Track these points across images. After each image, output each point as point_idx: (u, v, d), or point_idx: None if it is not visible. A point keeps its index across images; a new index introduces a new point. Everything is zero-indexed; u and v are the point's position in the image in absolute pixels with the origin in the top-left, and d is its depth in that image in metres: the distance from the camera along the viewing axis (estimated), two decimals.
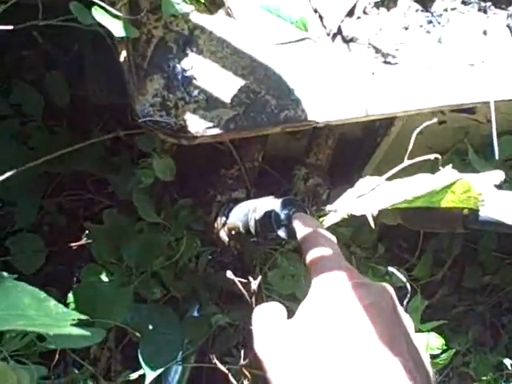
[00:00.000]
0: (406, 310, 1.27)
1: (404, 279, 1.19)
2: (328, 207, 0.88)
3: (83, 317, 0.57)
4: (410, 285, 1.23)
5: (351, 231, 1.20)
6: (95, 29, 0.81)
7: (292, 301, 1.17)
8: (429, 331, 1.22)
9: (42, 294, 0.58)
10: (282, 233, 0.80)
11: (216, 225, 0.96)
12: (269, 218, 0.81)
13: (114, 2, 0.79)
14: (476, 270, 1.60)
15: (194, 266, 1.31)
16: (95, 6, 0.74)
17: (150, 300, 1.18)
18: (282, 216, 0.80)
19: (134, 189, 1.16)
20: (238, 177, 0.98)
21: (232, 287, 1.37)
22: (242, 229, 0.87)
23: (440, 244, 1.53)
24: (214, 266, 1.37)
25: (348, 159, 1.12)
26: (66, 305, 1.10)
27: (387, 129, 1.06)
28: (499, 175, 0.87)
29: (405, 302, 1.23)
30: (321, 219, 0.89)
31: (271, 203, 0.82)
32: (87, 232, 1.46)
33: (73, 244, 1.48)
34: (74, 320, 0.55)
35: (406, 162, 0.87)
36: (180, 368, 1.36)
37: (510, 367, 1.45)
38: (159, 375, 1.18)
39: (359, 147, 1.12)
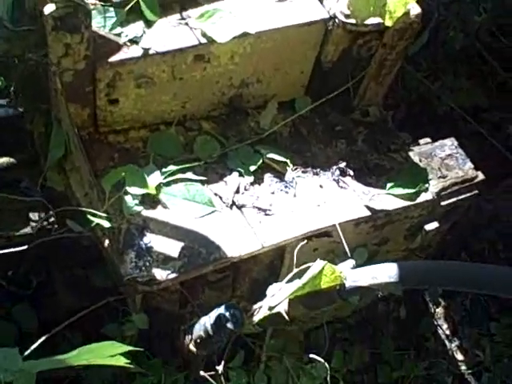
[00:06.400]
0: None
1: (327, 368, 1.63)
2: (253, 307, 1.36)
3: None
4: (332, 375, 1.67)
5: (281, 343, 1.65)
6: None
7: None
8: None
9: None
10: (230, 325, 1.26)
11: (185, 342, 1.39)
12: (218, 318, 1.27)
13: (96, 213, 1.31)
14: (385, 368, 2.05)
15: None
16: (88, 215, 1.25)
17: None
18: (227, 314, 1.26)
19: None
20: (191, 312, 1.45)
21: None
22: (203, 335, 1.31)
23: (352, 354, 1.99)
24: None
25: (262, 289, 1.61)
26: None
27: (281, 262, 1.58)
28: (351, 262, 1.40)
29: None
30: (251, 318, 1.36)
31: (218, 310, 1.29)
32: None
33: None
34: None
35: (295, 270, 1.39)
36: None
37: None
38: None
39: (267, 281, 1.62)
